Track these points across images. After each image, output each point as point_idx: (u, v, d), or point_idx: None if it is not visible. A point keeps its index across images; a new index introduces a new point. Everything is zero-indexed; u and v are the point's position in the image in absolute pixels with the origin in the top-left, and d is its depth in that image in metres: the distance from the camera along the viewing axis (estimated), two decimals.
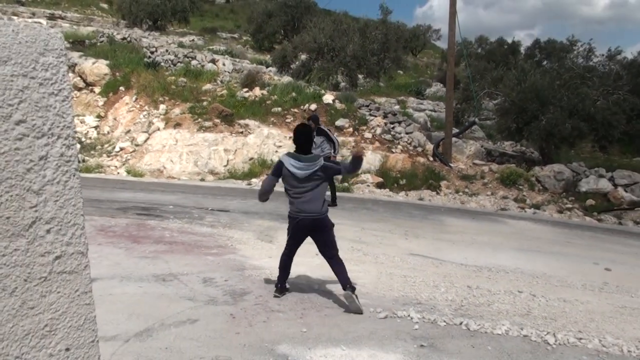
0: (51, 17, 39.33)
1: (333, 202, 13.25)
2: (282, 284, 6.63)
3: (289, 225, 6.45)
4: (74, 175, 2.00)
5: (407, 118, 20.91)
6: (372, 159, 17.98)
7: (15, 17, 35.76)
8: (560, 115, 18.59)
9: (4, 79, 1.77)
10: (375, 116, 20.37)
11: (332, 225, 6.44)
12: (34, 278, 1.94)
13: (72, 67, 23.66)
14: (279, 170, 6.24)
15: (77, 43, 27.65)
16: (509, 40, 50.96)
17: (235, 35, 48.59)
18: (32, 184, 1.90)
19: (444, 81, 25.51)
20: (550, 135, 18.90)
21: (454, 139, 20.26)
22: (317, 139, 12.62)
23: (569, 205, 16.09)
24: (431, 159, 18.97)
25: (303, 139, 6.29)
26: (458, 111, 24.24)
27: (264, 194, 6.41)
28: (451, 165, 18.67)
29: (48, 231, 1.95)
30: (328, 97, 21.12)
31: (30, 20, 35.65)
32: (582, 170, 17.97)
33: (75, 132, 2.03)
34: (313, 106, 20.41)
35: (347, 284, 6.22)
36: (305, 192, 6.21)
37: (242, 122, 19.69)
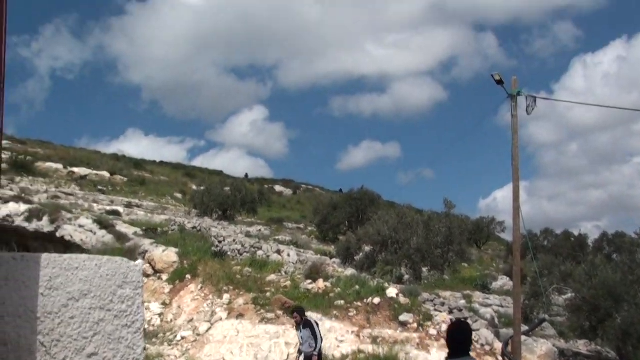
0: (128, 205, 41.46)
1: None
2: None
3: None
4: None
5: (473, 314, 20.35)
6: (437, 357, 17.28)
7: (95, 205, 37.92)
8: (636, 313, 17.77)
9: (82, 312, 1.82)
10: (440, 311, 19.90)
11: None
12: None
13: (142, 254, 24.49)
14: None
15: (150, 230, 28.85)
16: (576, 233, 50.41)
17: (301, 226, 49.86)
18: None
19: (510, 275, 25.03)
20: (627, 335, 17.94)
21: (523, 337, 19.41)
22: (304, 333, 11.99)
23: None
24: (500, 358, 18.11)
25: (460, 337, 5.38)
26: (527, 307, 23.48)
27: None
28: None
29: None
30: (392, 291, 20.89)
31: (109, 207, 37.72)
32: None
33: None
34: (376, 300, 20.18)
35: None
36: None
37: None
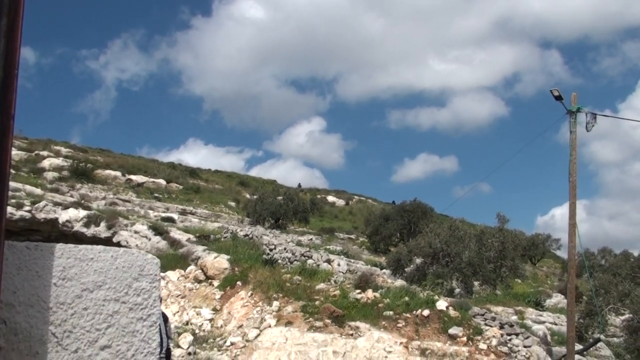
0: (183, 212, 42.19)
1: None
2: None
3: None
4: None
5: (525, 330, 19.83)
6: None
7: (151, 211, 38.73)
8: None
9: (96, 303, 1.83)
10: (491, 326, 19.46)
11: None
12: None
13: (195, 260, 24.87)
14: None
15: (203, 237, 29.28)
16: (635, 253, 48.88)
17: (352, 236, 49.76)
18: None
19: (565, 293, 24.36)
20: None
21: (577, 356, 18.83)
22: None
23: None
24: None
25: None
26: (581, 326, 22.78)
27: None
28: None
29: None
30: (442, 304, 20.56)
31: (164, 214, 38.45)
32: None
33: (162, 357, 2.02)
34: (426, 312, 19.90)
35: None
36: None
37: (352, 324, 19.41)
